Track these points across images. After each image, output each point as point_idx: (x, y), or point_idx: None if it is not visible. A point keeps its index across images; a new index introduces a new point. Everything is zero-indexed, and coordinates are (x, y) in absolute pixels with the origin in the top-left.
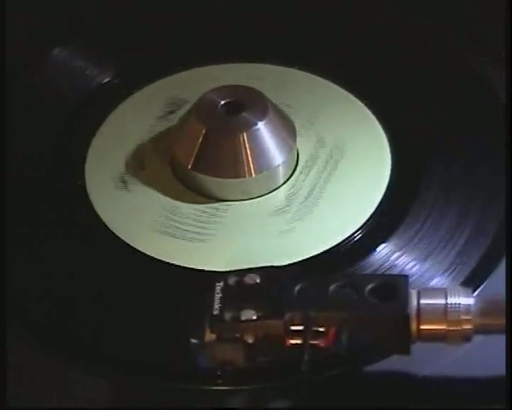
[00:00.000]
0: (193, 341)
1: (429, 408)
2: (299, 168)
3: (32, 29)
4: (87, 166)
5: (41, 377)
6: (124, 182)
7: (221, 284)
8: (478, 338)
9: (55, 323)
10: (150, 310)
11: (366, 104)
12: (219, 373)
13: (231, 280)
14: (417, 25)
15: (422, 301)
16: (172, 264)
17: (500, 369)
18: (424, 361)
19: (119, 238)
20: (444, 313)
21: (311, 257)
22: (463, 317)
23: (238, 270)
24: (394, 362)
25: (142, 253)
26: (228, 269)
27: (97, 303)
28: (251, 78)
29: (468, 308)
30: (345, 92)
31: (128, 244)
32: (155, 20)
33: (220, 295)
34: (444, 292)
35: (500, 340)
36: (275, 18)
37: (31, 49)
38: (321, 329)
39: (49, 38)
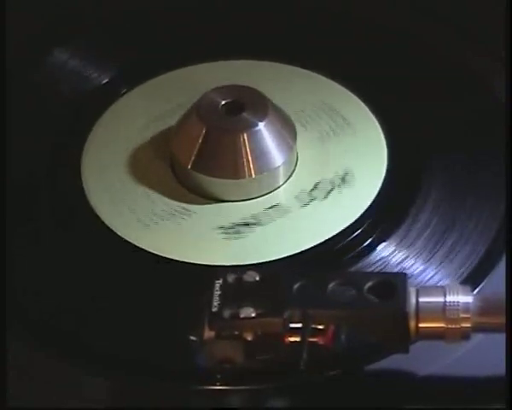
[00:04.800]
0: (192, 338)
1: (429, 408)
2: (298, 168)
3: (32, 29)
4: (87, 166)
5: (41, 377)
6: None
7: (220, 281)
8: (478, 338)
9: (55, 323)
10: (150, 310)
11: (366, 104)
12: (219, 375)
13: (230, 277)
14: (417, 25)
15: (421, 299)
16: (172, 263)
17: (500, 369)
18: (424, 361)
19: (119, 238)
20: (442, 311)
21: (311, 256)
22: (462, 315)
23: (237, 267)
24: (394, 362)
25: (141, 252)
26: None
27: (97, 303)
28: (251, 77)
29: (466, 307)
30: (345, 92)
31: (128, 244)
32: (155, 20)
33: (219, 292)
34: (443, 290)
35: (500, 340)
36: (275, 18)
37: (31, 49)
38: (320, 327)
39: (49, 38)
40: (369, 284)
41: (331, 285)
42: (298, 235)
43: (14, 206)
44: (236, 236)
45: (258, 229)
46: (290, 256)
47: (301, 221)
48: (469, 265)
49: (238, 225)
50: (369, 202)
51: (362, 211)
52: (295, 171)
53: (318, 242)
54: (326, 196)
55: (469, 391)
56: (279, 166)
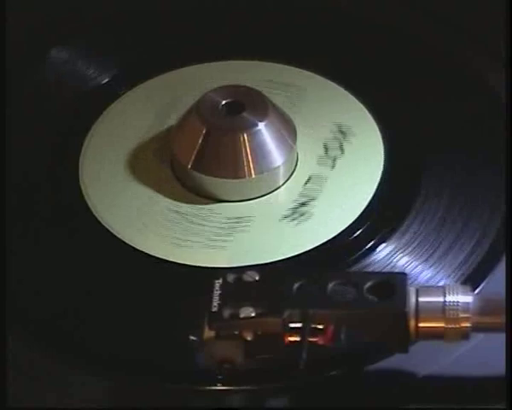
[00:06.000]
0: (192, 338)
1: (429, 408)
2: (298, 168)
3: (32, 29)
4: (86, 166)
5: (41, 377)
6: None
7: (220, 281)
8: (477, 338)
9: (56, 323)
10: (150, 310)
11: (366, 104)
12: (219, 375)
13: (230, 277)
14: (417, 25)
15: (421, 299)
16: (172, 263)
17: (500, 369)
18: (424, 361)
19: (119, 238)
20: (442, 310)
21: (310, 256)
22: (462, 315)
23: (237, 267)
24: (394, 362)
25: (141, 252)
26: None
27: (97, 303)
28: (251, 77)
29: (466, 306)
30: (344, 92)
31: (128, 244)
32: (155, 20)
33: (219, 292)
34: (442, 290)
35: (500, 340)
36: (275, 18)
37: (31, 49)
38: (319, 326)
39: (49, 38)
40: (369, 283)
41: (331, 285)
42: (297, 236)
43: (13, 206)
44: (236, 236)
45: (258, 230)
46: (290, 258)
47: (300, 222)
48: (469, 265)
49: (238, 225)
50: (369, 203)
51: (362, 211)
52: (295, 171)
53: (318, 243)
54: (325, 197)
55: (469, 391)
56: (279, 166)
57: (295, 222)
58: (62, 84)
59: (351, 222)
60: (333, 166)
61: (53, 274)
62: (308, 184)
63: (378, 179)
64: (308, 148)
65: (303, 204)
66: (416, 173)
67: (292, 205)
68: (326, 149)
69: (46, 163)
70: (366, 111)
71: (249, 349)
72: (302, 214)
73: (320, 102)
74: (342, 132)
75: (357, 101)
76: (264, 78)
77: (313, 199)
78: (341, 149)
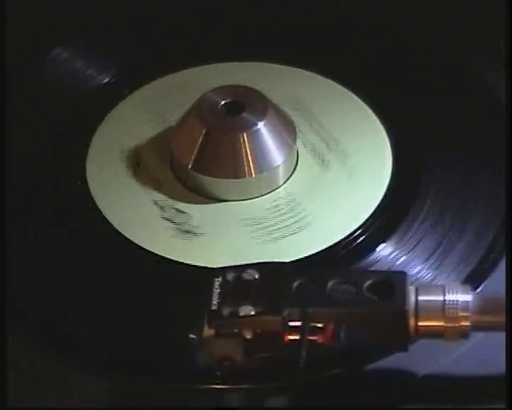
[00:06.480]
0: (191, 336)
1: (429, 408)
2: (298, 167)
3: (32, 29)
4: (87, 166)
5: (41, 377)
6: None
7: (219, 279)
8: (477, 337)
9: (56, 323)
10: (150, 310)
11: (367, 104)
12: (218, 373)
13: (230, 276)
14: (417, 25)
15: (420, 298)
16: (172, 263)
17: (500, 368)
18: (424, 361)
19: (119, 238)
20: (442, 309)
21: (310, 256)
22: (461, 314)
23: (237, 265)
24: (394, 362)
25: (141, 252)
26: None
27: (97, 303)
28: (251, 77)
29: (465, 305)
30: (346, 92)
31: (128, 244)
32: (155, 19)
33: (219, 290)
34: (442, 289)
35: (500, 339)
36: (275, 18)
37: (31, 49)
38: (319, 325)
39: (49, 38)
40: (369, 282)
41: (330, 283)
42: (298, 236)
43: (15, 206)
44: (237, 236)
45: (258, 231)
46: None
47: (301, 222)
48: (469, 265)
49: (239, 225)
50: (370, 203)
51: (363, 211)
52: (295, 171)
53: (319, 243)
54: (326, 197)
55: (469, 391)
56: (279, 166)
57: (295, 223)
58: (62, 85)
59: (353, 223)
60: (335, 167)
61: (53, 274)
62: (309, 185)
63: (382, 180)
64: (309, 148)
65: (303, 204)
66: (416, 173)
67: (292, 205)
68: (327, 149)
69: (46, 163)
70: (371, 112)
71: (249, 348)
72: (302, 215)
73: (321, 102)
74: (344, 133)
75: (359, 101)
76: (265, 77)
77: (314, 199)
78: (343, 149)
